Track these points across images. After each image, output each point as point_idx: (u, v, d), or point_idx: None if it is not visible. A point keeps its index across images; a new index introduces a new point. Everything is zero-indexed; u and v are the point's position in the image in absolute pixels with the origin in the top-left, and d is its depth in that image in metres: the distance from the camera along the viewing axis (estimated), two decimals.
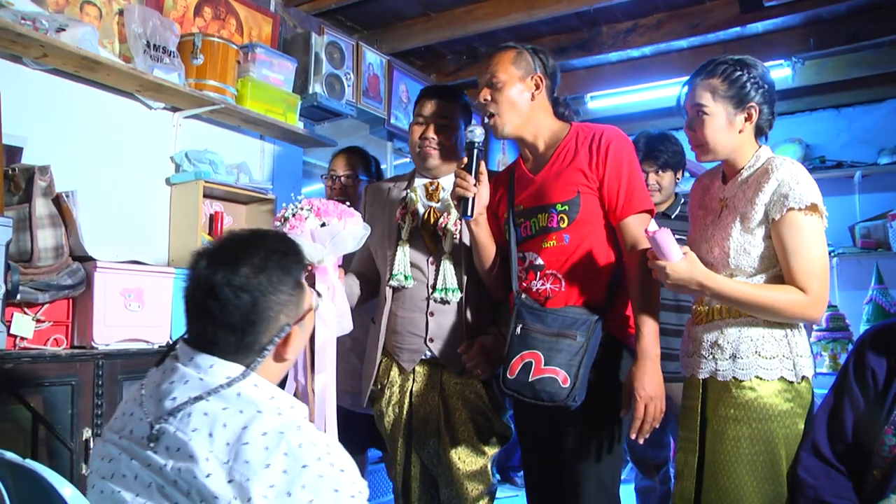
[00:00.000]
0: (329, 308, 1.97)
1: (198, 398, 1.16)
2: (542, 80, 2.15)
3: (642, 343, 1.98)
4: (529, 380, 1.97)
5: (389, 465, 2.95)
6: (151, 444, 1.14)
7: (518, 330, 2.04)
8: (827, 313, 4.87)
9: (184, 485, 1.09)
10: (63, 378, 2.19)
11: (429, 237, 2.31)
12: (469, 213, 2.09)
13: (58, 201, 2.41)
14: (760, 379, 1.84)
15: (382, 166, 4.70)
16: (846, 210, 5.29)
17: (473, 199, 2.09)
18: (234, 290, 1.20)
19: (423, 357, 2.29)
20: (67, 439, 2.18)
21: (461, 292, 2.26)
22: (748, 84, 1.90)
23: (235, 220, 3.41)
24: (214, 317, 1.21)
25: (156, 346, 2.56)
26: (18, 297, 2.21)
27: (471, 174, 2.10)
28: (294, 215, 1.96)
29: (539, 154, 2.19)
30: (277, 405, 1.20)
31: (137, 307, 2.52)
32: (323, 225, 1.94)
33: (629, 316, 2.09)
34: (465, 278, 2.27)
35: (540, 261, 2.10)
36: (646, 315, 2.00)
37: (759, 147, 1.96)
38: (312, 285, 1.93)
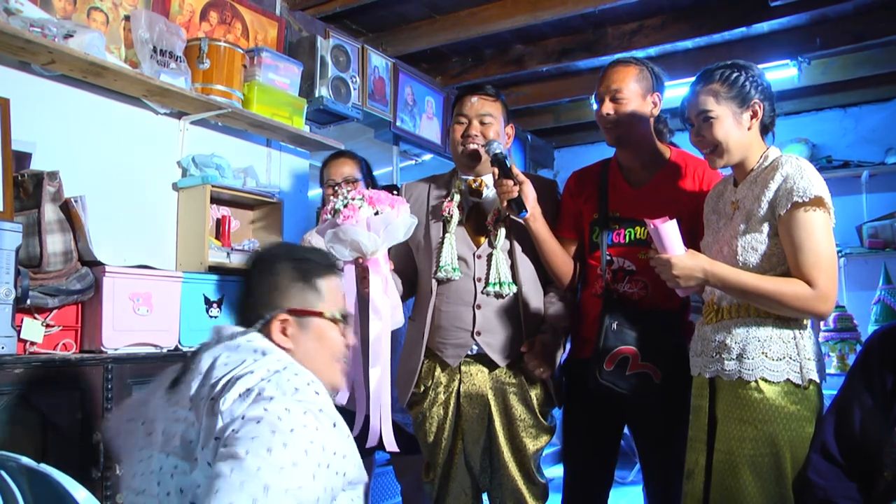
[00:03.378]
0: (383, 300, 1.97)
1: (215, 360, 1.34)
2: (659, 100, 2.26)
3: None
4: (627, 373, 2.13)
5: (399, 469, 2.95)
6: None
7: (614, 325, 2.15)
8: (835, 314, 4.86)
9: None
10: (72, 382, 2.20)
11: (473, 231, 2.33)
12: (525, 210, 2.14)
13: (66, 206, 2.43)
14: (766, 380, 1.84)
15: (388, 169, 4.74)
16: (853, 210, 5.28)
17: (520, 196, 2.14)
18: (251, 264, 1.55)
19: (469, 353, 2.28)
20: (77, 444, 2.18)
21: (516, 286, 2.27)
22: (747, 83, 1.92)
23: (242, 224, 3.42)
24: (243, 292, 1.52)
25: (164, 351, 2.58)
26: (28, 302, 2.23)
27: (507, 178, 2.16)
28: (346, 206, 1.95)
29: (638, 168, 2.29)
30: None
31: (146, 311, 2.53)
32: (377, 213, 1.94)
33: (691, 323, 2.21)
34: (519, 272, 2.28)
35: (633, 267, 2.23)
36: None
37: (768, 148, 1.97)
38: (366, 278, 1.95)
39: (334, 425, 1.24)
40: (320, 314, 1.48)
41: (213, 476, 1.10)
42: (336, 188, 2.79)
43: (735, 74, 1.92)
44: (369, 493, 2.88)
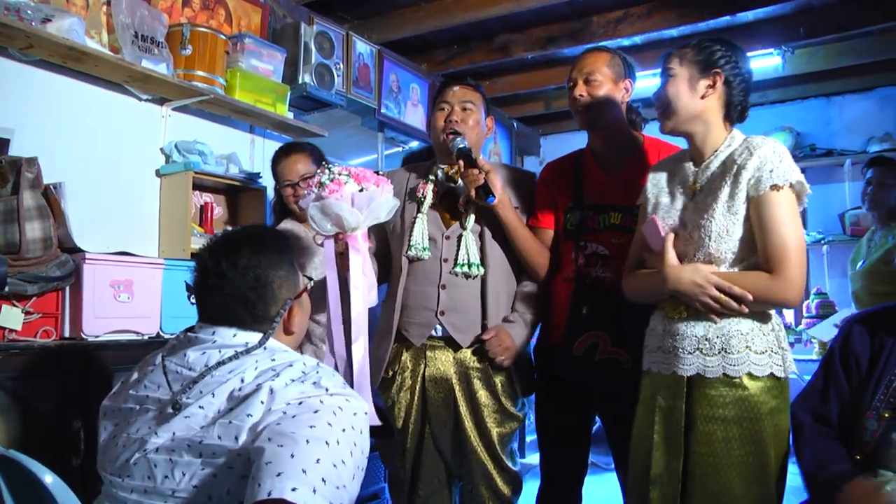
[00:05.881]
0: (362, 278, 1.98)
1: (220, 363, 1.29)
2: (630, 86, 2.30)
3: None
4: (596, 358, 2.13)
5: (385, 454, 2.96)
6: (174, 411, 1.24)
7: (584, 310, 2.17)
8: (816, 300, 4.90)
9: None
10: (52, 370, 2.20)
11: (445, 214, 2.34)
12: (492, 196, 2.17)
13: (46, 193, 2.41)
14: (752, 375, 1.77)
15: (373, 156, 4.73)
16: (836, 198, 5.33)
17: (486, 183, 2.17)
18: (238, 270, 1.39)
19: (434, 334, 2.29)
20: (57, 432, 2.18)
21: (484, 268, 2.28)
22: (717, 53, 1.87)
23: (225, 210, 3.41)
24: (227, 294, 1.38)
25: (145, 338, 2.57)
26: (7, 289, 2.21)
27: (472, 168, 2.19)
28: (332, 180, 1.95)
29: (612, 154, 2.31)
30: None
31: (127, 298, 2.52)
32: (361, 190, 1.95)
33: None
34: (488, 256, 2.29)
35: (606, 252, 2.24)
36: None
37: (731, 131, 1.91)
38: (345, 254, 1.97)
39: (362, 432, 1.25)
40: (305, 289, 1.52)
41: (259, 450, 1.10)
42: (295, 188, 2.66)
43: (709, 43, 1.89)
44: None
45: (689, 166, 1.94)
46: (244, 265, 1.39)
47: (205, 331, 1.39)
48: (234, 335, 1.36)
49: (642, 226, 1.94)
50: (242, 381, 1.24)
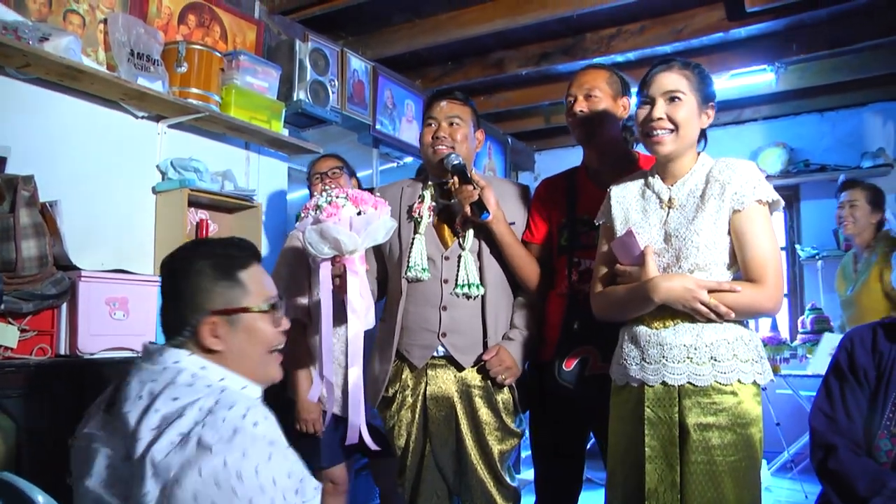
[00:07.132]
0: (360, 301, 1.97)
1: (139, 396, 1.27)
2: (628, 104, 2.32)
3: None
4: (586, 374, 2.14)
5: (377, 473, 2.95)
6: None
7: (576, 325, 2.18)
8: (811, 316, 4.91)
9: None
10: (47, 388, 2.19)
11: (443, 233, 2.34)
12: (487, 212, 2.17)
13: (42, 211, 2.41)
14: (741, 383, 1.81)
15: (368, 172, 4.74)
16: (830, 213, 5.28)
17: (481, 199, 2.17)
18: (166, 274, 1.41)
19: (436, 354, 2.28)
20: (51, 450, 2.17)
21: (483, 288, 2.28)
22: (711, 85, 1.94)
23: (221, 227, 3.41)
24: (162, 300, 1.41)
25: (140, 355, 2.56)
26: (2, 306, 2.21)
27: (467, 184, 2.20)
28: (330, 203, 1.95)
29: (608, 170, 2.29)
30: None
31: (122, 316, 2.52)
32: (359, 213, 1.94)
33: None
34: (486, 275, 2.29)
35: None
36: None
37: (700, 153, 1.97)
38: (342, 276, 1.95)
39: (270, 457, 1.20)
40: (246, 309, 1.41)
41: None
42: (322, 176, 2.92)
43: (704, 72, 1.93)
44: (347, 497, 2.87)
45: (659, 183, 1.97)
46: (170, 270, 1.41)
47: (152, 345, 1.41)
48: (161, 349, 1.36)
49: (613, 241, 1.95)
50: (140, 426, 1.21)
